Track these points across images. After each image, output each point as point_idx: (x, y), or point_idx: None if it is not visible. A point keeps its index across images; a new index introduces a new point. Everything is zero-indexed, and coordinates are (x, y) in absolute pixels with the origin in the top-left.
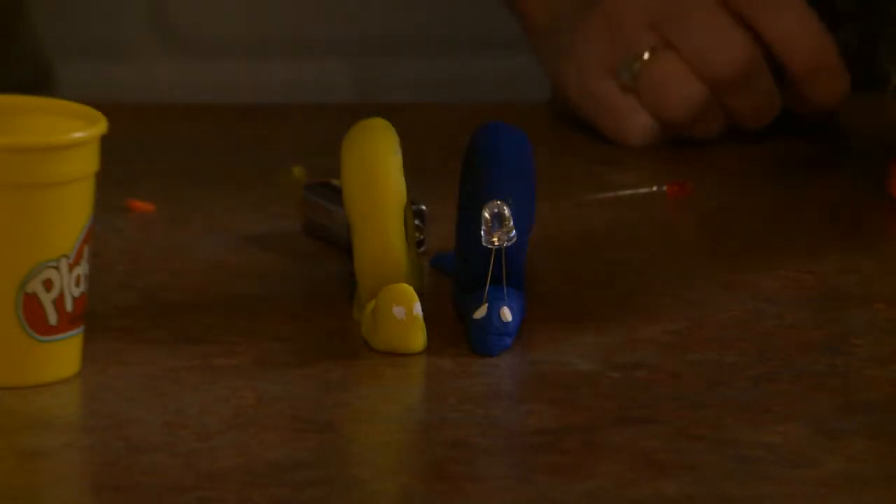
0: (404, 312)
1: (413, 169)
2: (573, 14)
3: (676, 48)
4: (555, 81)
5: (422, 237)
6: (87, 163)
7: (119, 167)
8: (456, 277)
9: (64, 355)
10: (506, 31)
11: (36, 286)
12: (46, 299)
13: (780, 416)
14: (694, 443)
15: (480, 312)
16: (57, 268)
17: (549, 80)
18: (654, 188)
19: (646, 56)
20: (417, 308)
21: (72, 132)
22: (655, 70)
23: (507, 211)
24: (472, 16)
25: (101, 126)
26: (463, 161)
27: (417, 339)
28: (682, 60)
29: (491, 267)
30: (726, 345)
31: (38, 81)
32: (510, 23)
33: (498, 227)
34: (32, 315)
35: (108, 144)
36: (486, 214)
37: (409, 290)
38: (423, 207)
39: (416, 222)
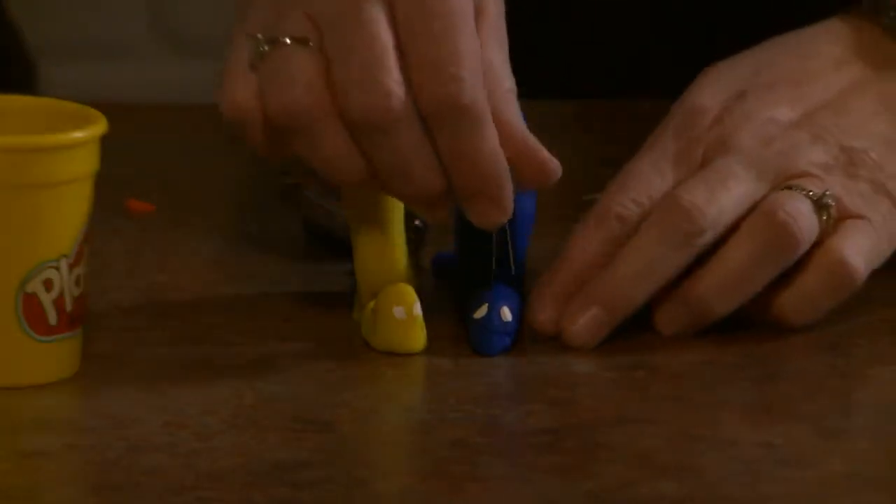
0: (404, 312)
1: None
2: None
3: (326, 54)
4: None
5: (422, 237)
6: (87, 163)
7: (119, 167)
8: (456, 277)
9: (64, 355)
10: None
11: (36, 286)
12: (46, 299)
13: (780, 416)
14: (694, 443)
15: (480, 312)
16: (57, 268)
17: None
18: None
19: (287, 41)
20: (417, 308)
21: (72, 132)
22: (286, 59)
23: None
24: None
25: (100, 126)
26: None
27: (417, 339)
28: (320, 69)
29: (492, 263)
30: (726, 345)
31: (22, 80)
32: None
33: None
34: (32, 315)
35: (107, 144)
36: None
37: (409, 290)
38: None
39: (416, 222)
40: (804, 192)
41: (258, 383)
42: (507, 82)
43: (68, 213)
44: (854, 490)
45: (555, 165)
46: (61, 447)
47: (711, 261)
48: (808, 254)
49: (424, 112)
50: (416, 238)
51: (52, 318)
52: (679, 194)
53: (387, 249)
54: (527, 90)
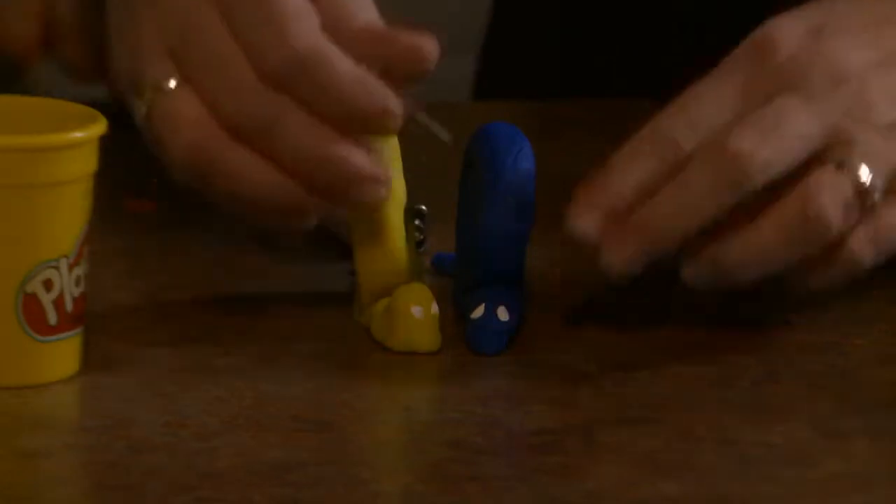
0: (422, 312)
1: (413, 169)
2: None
3: (194, 87)
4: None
5: (422, 237)
6: (87, 163)
7: (119, 167)
8: (456, 277)
9: (64, 355)
10: None
11: (36, 286)
12: (46, 299)
13: (780, 416)
14: (694, 443)
15: (478, 312)
16: (57, 268)
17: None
18: None
19: (167, 86)
20: (435, 307)
21: (72, 132)
22: (165, 107)
23: None
24: (473, 16)
25: (100, 126)
26: (463, 161)
27: (437, 337)
28: (196, 101)
29: (492, 265)
30: (726, 345)
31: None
32: None
33: None
34: (32, 315)
35: (107, 144)
36: None
37: (425, 290)
38: (423, 207)
39: (416, 222)
40: (851, 176)
41: (258, 383)
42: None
43: (68, 213)
44: (854, 490)
45: (426, 44)
46: (61, 447)
47: (743, 230)
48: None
49: (275, 81)
50: (416, 239)
51: (52, 318)
52: (728, 140)
53: (387, 249)
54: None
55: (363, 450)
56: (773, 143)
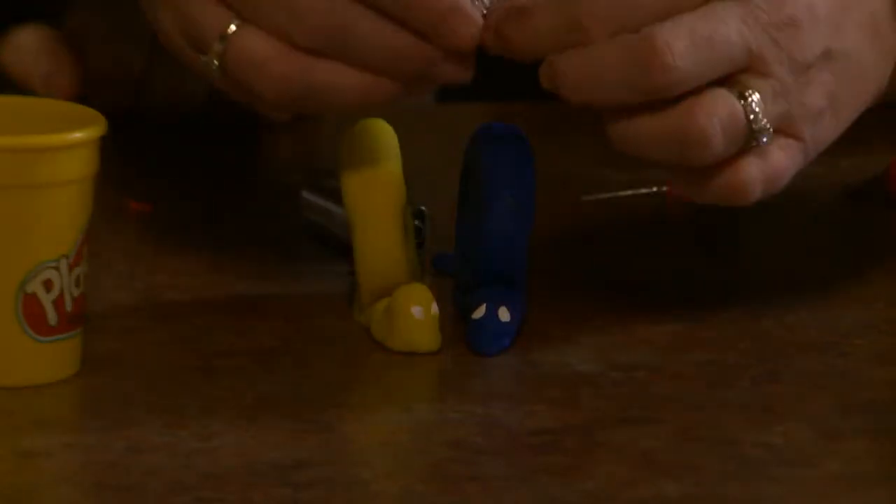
0: (422, 312)
1: (413, 169)
2: None
3: (255, 25)
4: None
5: (422, 237)
6: (87, 163)
7: (118, 167)
8: (456, 277)
9: (64, 355)
10: None
11: (36, 286)
12: (46, 299)
13: (780, 416)
14: (694, 443)
15: (479, 312)
16: (57, 268)
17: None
18: (654, 189)
19: (229, 32)
20: (435, 307)
21: (72, 132)
22: (237, 53)
23: None
24: None
25: (100, 126)
26: (463, 161)
27: (436, 338)
28: (264, 36)
29: (492, 265)
30: (726, 345)
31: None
32: None
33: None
34: (32, 315)
35: (107, 144)
36: None
37: (425, 290)
38: (423, 207)
39: (416, 222)
40: (747, 110)
41: (258, 383)
42: None
43: (68, 213)
44: (854, 490)
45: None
46: (61, 447)
47: (588, 49)
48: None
49: None
50: (416, 239)
51: (52, 318)
52: (658, 42)
53: (387, 249)
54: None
55: (363, 450)
56: (699, 56)
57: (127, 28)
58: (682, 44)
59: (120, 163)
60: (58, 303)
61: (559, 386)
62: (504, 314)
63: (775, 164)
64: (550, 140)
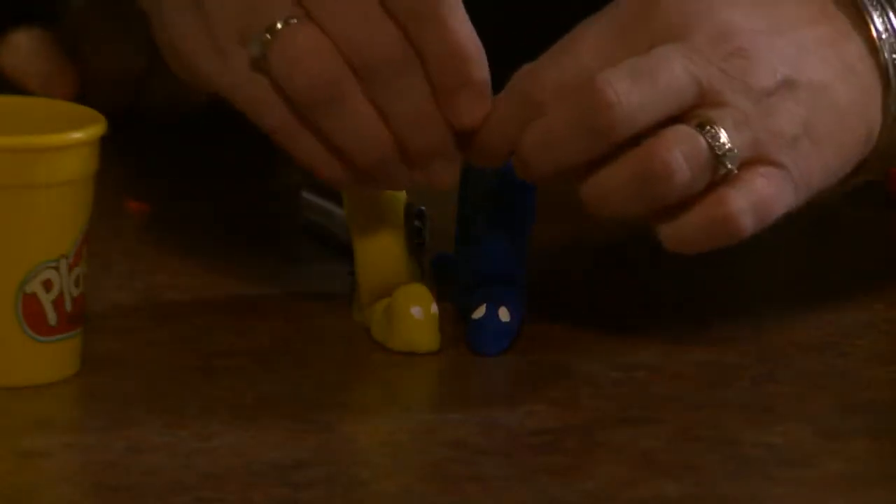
0: (422, 312)
1: None
2: None
3: (318, 23)
4: (170, 35)
5: (422, 237)
6: (87, 163)
7: (118, 167)
8: (456, 277)
9: (64, 355)
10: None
11: (35, 286)
12: (46, 300)
13: (780, 416)
14: (694, 443)
15: (479, 312)
16: (56, 268)
17: (158, 32)
18: None
19: (279, 26)
20: (434, 307)
21: (71, 132)
22: (289, 42)
23: None
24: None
25: (100, 126)
26: (463, 161)
27: (436, 338)
28: (322, 35)
29: (492, 265)
30: (726, 345)
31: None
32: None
33: None
34: (32, 315)
35: (107, 144)
36: None
37: (424, 290)
38: (423, 207)
39: (416, 222)
40: (710, 138)
41: (258, 383)
42: None
43: (68, 213)
44: (854, 490)
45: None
46: (61, 447)
47: (539, 121)
48: (701, 194)
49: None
50: (416, 239)
51: (52, 318)
52: (598, 83)
53: (387, 249)
54: None
55: (363, 450)
56: (646, 89)
57: (127, 28)
58: (623, 82)
59: (120, 163)
60: (57, 303)
61: (559, 386)
62: (504, 314)
63: (760, 191)
64: None
